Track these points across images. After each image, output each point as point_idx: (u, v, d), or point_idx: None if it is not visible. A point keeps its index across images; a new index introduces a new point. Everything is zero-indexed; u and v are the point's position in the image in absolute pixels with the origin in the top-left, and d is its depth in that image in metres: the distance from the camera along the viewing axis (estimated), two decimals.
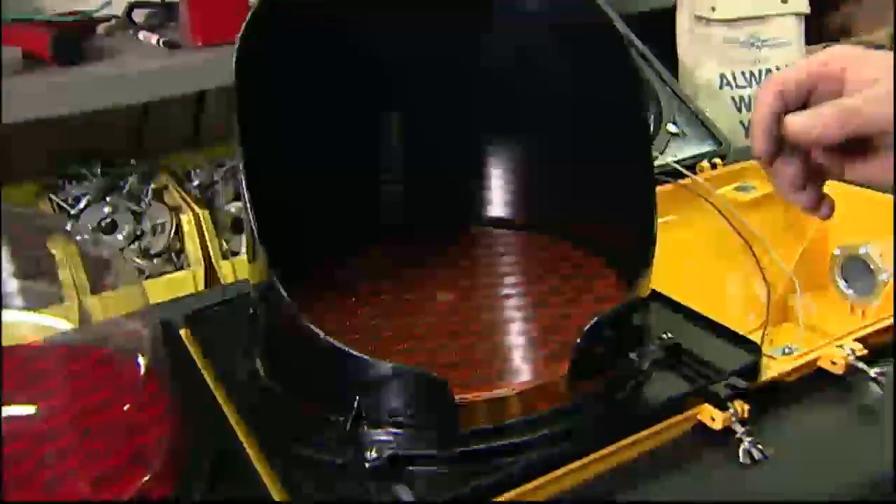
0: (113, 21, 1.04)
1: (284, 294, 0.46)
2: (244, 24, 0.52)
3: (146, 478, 0.44)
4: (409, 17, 0.61)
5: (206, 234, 0.94)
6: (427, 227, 0.68)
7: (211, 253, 0.94)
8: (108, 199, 0.96)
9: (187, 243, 0.95)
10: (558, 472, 0.46)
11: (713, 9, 1.15)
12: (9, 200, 0.92)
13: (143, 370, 0.48)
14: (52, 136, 0.97)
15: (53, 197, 0.96)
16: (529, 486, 0.45)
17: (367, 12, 0.60)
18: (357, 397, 0.47)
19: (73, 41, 0.89)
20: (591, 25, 0.55)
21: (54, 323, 0.51)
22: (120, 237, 0.94)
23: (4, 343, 0.49)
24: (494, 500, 0.44)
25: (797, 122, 0.47)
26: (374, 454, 0.45)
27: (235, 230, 0.99)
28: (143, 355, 0.49)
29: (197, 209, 0.95)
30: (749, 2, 1.15)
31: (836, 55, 0.48)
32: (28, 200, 0.96)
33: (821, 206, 0.51)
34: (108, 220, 0.94)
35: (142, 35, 0.98)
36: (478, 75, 0.63)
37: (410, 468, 0.45)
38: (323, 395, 0.49)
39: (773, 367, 0.55)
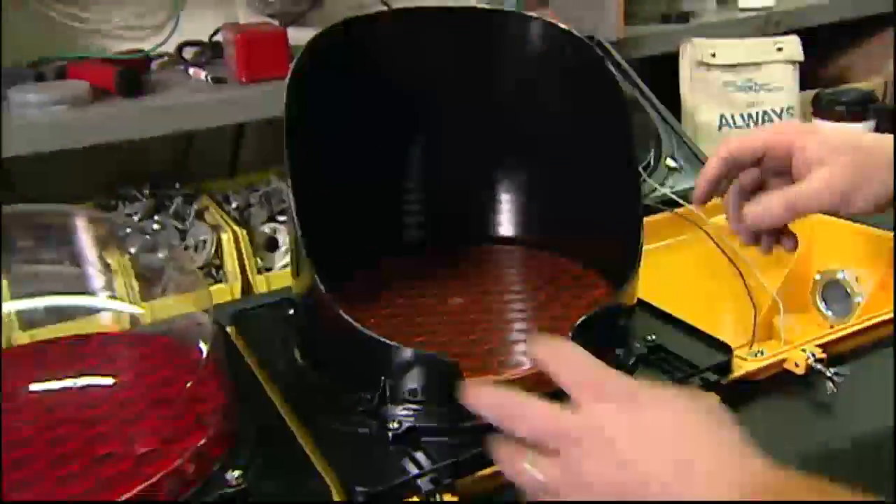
0: (166, 58, 1.15)
1: (324, 290, 0.56)
2: (294, 63, 0.61)
3: (204, 440, 0.52)
4: (432, 57, 0.70)
5: (243, 251, 1.03)
6: (442, 244, 0.77)
7: (247, 268, 1.03)
8: (155, 217, 1.07)
9: (226, 259, 1.04)
10: None
11: (713, 55, 1.25)
12: None
13: (204, 353, 0.57)
14: (110, 159, 1.07)
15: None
16: None
17: (395, 54, 0.70)
18: (383, 378, 0.55)
19: (134, 76, 1.00)
20: (586, 66, 0.65)
21: (130, 309, 0.61)
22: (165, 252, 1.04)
23: (90, 330, 0.58)
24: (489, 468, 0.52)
25: (751, 214, 0.61)
26: (395, 426, 0.54)
27: (269, 248, 1.09)
28: (204, 342, 0.58)
29: (235, 228, 1.04)
30: (746, 49, 1.25)
31: (787, 130, 0.62)
32: None
33: (779, 244, 0.63)
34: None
35: (192, 71, 1.09)
36: (489, 109, 0.72)
37: (425, 438, 0.54)
38: (354, 378, 0.58)
39: (743, 367, 0.63)
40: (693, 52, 1.25)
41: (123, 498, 0.46)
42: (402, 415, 0.55)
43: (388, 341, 0.55)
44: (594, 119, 0.65)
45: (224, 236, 1.04)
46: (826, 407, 0.62)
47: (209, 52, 1.16)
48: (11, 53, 1.07)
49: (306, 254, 0.57)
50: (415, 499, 0.51)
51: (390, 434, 0.54)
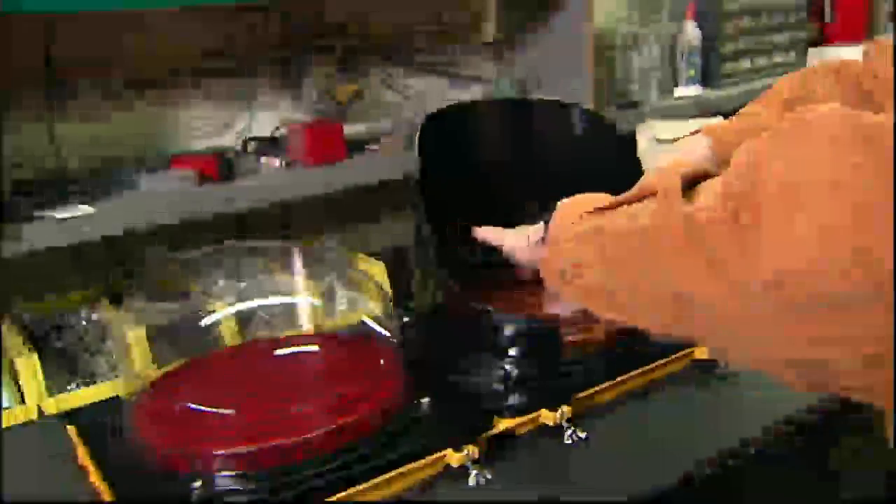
0: (233, 153, 1.43)
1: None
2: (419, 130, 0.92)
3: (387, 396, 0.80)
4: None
5: None
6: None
7: None
8: None
9: None
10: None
11: (661, 134, 1.60)
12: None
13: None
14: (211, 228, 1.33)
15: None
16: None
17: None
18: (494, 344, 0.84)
19: (230, 164, 1.28)
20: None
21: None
22: None
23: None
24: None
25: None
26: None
27: None
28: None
29: None
30: (684, 127, 1.61)
31: None
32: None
33: None
34: None
35: (263, 159, 1.38)
36: (546, 169, 1.04)
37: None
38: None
39: (503, 423, 0.82)
40: (646, 131, 1.60)
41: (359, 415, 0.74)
42: (506, 367, 0.84)
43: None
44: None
45: None
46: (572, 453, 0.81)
47: (268, 144, 1.45)
48: (112, 149, 1.34)
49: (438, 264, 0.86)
50: None
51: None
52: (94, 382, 1.17)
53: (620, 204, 0.61)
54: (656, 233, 0.55)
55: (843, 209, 0.44)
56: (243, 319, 0.92)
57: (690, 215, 0.52)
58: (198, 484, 0.69)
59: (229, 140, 1.46)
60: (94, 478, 0.77)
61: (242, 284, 0.89)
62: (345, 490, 0.71)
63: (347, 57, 1.53)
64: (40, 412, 1.08)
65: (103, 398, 1.01)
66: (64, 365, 1.21)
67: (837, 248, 0.44)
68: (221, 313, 0.94)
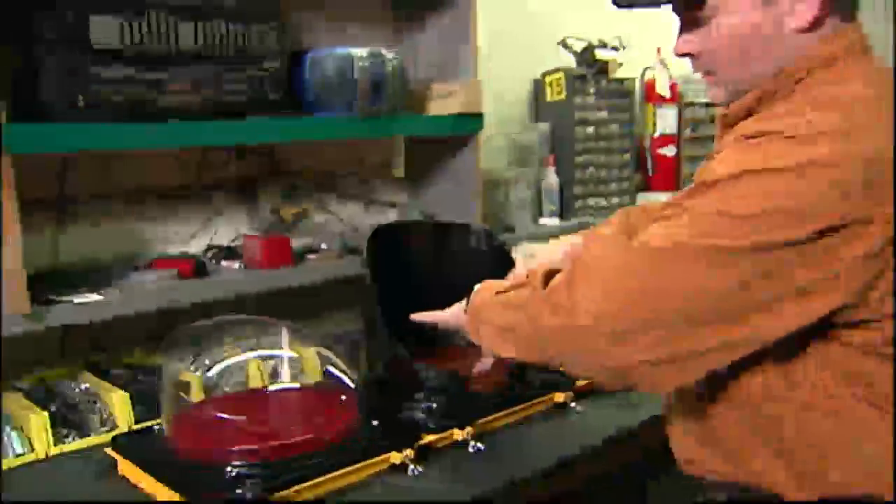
0: (203, 257, 1.79)
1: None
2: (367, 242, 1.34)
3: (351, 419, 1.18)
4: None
5: None
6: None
7: None
8: None
9: None
10: None
11: (527, 253, 2.09)
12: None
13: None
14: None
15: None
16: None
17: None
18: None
19: (203, 265, 1.65)
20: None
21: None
22: None
23: None
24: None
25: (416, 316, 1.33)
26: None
27: None
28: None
29: None
30: (546, 248, 2.10)
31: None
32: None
33: None
34: None
35: (224, 263, 1.75)
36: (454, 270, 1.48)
37: None
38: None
39: (427, 437, 1.24)
40: (520, 249, 2.09)
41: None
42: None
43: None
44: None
45: None
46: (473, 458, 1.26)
47: (225, 252, 1.82)
48: (103, 253, 1.67)
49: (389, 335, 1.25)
50: None
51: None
52: (88, 435, 1.46)
53: (510, 288, 1.07)
54: (528, 301, 1.00)
55: (618, 276, 0.90)
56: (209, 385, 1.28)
57: (546, 290, 0.97)
58: (230, 469, 1.03)
59: (196, 247, 1.82)
60: (142, 480, 1.09)
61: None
62: (322, 476, 1.07)
63: (292, 186, 1.95)
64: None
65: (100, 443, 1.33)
66: (59, 422, 1.49)
67: (616, 296, 0.90)
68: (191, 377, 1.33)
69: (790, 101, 0.99)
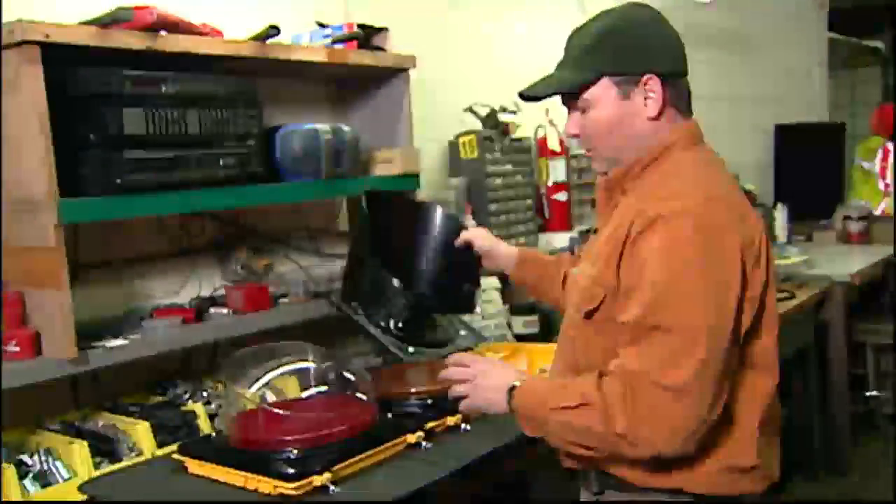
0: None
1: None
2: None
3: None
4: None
5: None
6: None
7: None
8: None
9: None
10: None
11: None
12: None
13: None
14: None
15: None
16: None
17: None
18: None
19: (202, 312, 1.93)
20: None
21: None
22: None
23: None
24: None
25: None
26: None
27: None
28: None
29: None
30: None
31: None
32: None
33: None
34: None
35: (213, 310, 2.03)
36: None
37: None
38: None
39: (429, 425, 1.69)
40: None
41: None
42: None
43: None
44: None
45: None
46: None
47: (208, 301, 2.10)
48: (100, 310, 1.92)
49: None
50: None
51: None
52: (121, 460, 1.70)
53: (567, 406, 1.28)
54: (601, 437, 1.25)
55: (672, 424, 1.22)
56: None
57: (616, 432, 1.22)
58: (287, 455, 1.34)
59: (181, 299, 2.09)
60: (213, 473, 1.37)
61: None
62: (359, 455, 1.39)
63: (255, 246, 2.26)
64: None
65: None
66: (93, 452, 1.72)
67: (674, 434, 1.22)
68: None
69: (646, 178, 1.33)
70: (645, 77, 1.31)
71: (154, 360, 1.86)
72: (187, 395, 1.95)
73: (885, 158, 4.88)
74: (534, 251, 1.99)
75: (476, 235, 1.88)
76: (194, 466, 1.40)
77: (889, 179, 4.84)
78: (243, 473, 1.33)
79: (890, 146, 4.86)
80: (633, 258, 1.26)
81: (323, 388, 1.55)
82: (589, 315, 1.33)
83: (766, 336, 1.30)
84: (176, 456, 1.44)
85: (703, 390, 1.20)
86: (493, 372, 1.43)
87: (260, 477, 1.31)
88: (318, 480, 1.29)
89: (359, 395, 1.55)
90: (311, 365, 1.58)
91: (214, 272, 2.21)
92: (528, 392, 1.36)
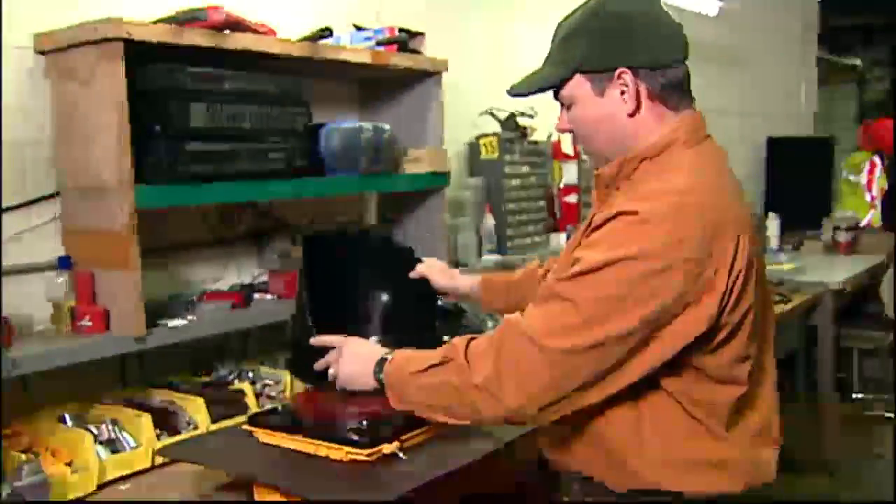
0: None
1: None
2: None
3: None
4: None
5: None
6: None
7: None
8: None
9: None
10: None
11: None
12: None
13: None
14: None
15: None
16: None
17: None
18: None
19: (250, 297, 2.04)
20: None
21: None
22: None
23: None
24: None
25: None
26: None
27: None
28: None
29: None
30: None
31: None
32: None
33: None
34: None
35: (256, 296, 2.13)
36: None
37: None
38: None
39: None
40: None
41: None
42: None
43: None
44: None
45: None
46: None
47: (250, 287, 2.20)
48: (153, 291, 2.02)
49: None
50: None
51: None
52: (180, 433, 1.80)
53: (427, 368, 1.29)
54: (460, 387, 1.24)
55: (533, 379, 1.19)
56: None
57: (479, 382, 1.22)
58: (350, 424, 1.44)
59: (222, 285, 2.20)
60: (282, 442, 1.48)
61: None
62: (416, 430, 1.49)
63: (292, 236, 2.37)
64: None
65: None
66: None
67: (533, 393, 1.20)
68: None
69: (638, 176, 1.27)
70: (618, 71, 1.25)
71: (196, 343, 1.97)
72: (232, 376, 2.06)
73: (871, 172, 5.09)
74: (499, 274, 1.87)
75: (431, 270, 1.72)
76: (263, 436, 1.51)
77: (875, 192, 5.05)
78: (314, 441, 1.44)
79: (876, 160, 5.07)
80: (583, 244, 1.25)
81: None
82: None
83: (730, 351, 1.25)
84: (245, 427, 1.54)
85: (578, 369, 1.18)
86: (364, 345, 1.47)
87: (332, 444, 1.42)
88: (387, 448, 1.39)
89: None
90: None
91: (251, 260, 2.31)
92: (395, 361, 1.36)
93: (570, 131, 1.36)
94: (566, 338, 1.18)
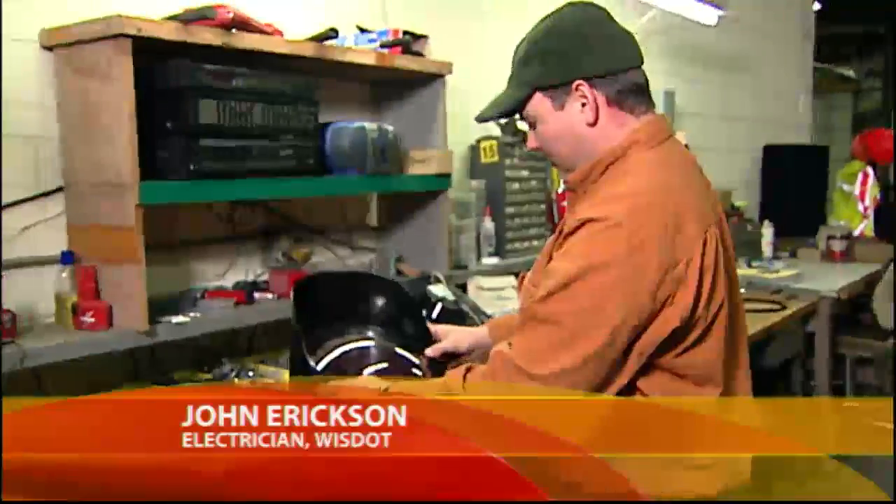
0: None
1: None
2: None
3: None
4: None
5: None
6: None
7: None
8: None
9: None
10: None
11: (479, 285, 2.61)
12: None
13: None
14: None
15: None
16: None
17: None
18: None
19: (252, 295, 2.04)
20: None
21: None
22: None
23: None
24: None
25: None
26: None
27: None
28: None
29: None
30: (499, 281, 2.63)
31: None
32: None
33: None
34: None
35: (257, 295, 2.14)
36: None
37: None
38: None
39: None
40: (473, 282, 2.61)
41: None
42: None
43: None
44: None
45: None
46: None
47: (253, 285, 2.21)
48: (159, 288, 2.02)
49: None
50: None
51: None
52: None
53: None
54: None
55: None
56: None
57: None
58: None
59: (226, 282, 2.20)
60: None
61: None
62: None
63: (295, 236, 2.38)
64: None
65: None
66: None
67: None
68: None
69: (602, 181, 1.30)
70: (574, 83, 1.29)
71: (199, 340, 1.97)
72: (234, 373, 2.06)
73: (864, 182, 5.13)
74: (501, 317, 1.84)
75: (437, 333, 1.69)
76: None
77: (868, 202, 5.08)
78: None
79: (869, 170, 5.10)
80: (556, 254, 1.28)
81: (383, 366, 1.67)
82: None
83: (705, 350, 1.27)
84: None
85: (576, 386, 1.20)
86: (359, 381, 1.48)
87: None
88: None
89: (415, 371, 1.67)
90: (371, 343, 1.69)
91: (256, 258, 2.32)
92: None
93: (539, 149, 1.39)
94: (555, 361, 1.20)
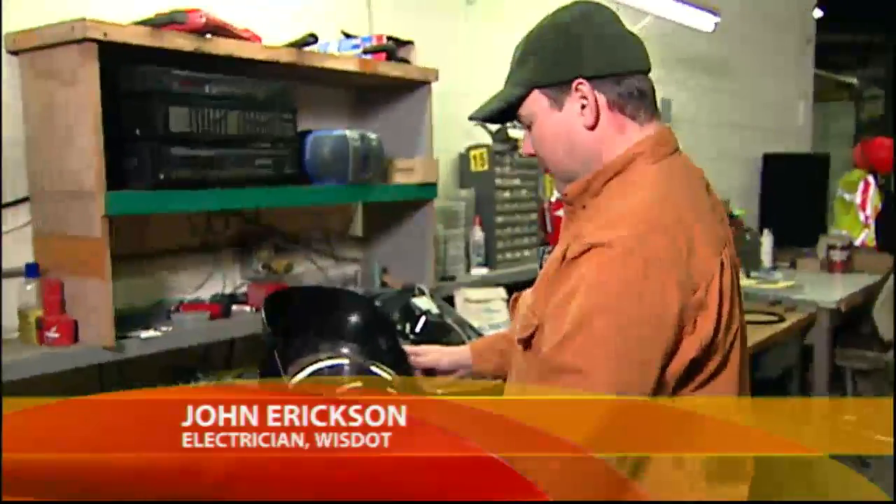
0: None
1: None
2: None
3: None
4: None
5: None
6: None
7: None
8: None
9: None
10: None
11: (465, 297, 2.54)
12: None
13: None
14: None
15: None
16: None
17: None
18: None
19: (228, 308, 1.98)
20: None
21: None
22: None
23: None
24: None
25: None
26: None
27: None
28: None
29: None
30: (485, 293, 2.57)
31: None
32: None
33: None
34: None
35: (234, 307, 2.07)
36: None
37: None
38: None
39: None
40: (461, 294, 2.54)
41: None
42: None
43: None
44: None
45: None
46: None
47: (231, 298, 2.14)
48: (131, 300, 1.96)
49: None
50: None
51: None
52: None
53: None
54: None
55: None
56: None
57: None
58: None
59: (204, 294, 2.14)
60: None
61: None
62: None
63: (276, 246, 2.31)
64: None
65: None
66: None
67: None
68: None
69: (605, 194, 1.21)
70: (575, 83, 1.20)
71: (174, 354, 1.91)
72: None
73: (865, 191, 5.06)
74: (487, 338, 1.78)
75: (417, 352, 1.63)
76: None
77: (869, 211, 5.01)
78: None
79: (871, 179, 5.03)
80: (561, 284, 1.15)
81: (357, 385, 1.61)
82: (524, 343, 1.23)
83: (721, 383, 1.18)
84: None
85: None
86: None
87: None
88: None
89: (389, 390, 1.61)
90: (345, 361, 1.63)
91: (236, 269, 2.26)
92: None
93: (534, 155, 1.30)
94: (587, 419, 1.08)
